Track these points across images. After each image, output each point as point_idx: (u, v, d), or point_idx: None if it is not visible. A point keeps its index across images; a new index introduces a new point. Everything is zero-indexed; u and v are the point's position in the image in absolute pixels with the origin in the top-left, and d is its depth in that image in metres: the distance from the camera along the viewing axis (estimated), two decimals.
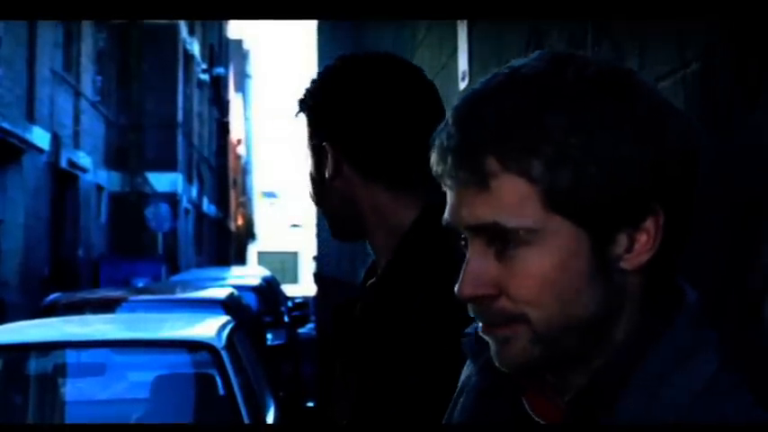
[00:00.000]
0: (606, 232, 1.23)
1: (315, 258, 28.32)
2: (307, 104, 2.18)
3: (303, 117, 2.19)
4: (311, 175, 2.19)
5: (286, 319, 16.05)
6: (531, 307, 1.24)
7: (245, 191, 73.83)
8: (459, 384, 1.50)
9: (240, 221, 66.79)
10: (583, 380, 1.28)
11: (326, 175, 2.15)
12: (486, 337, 1.30)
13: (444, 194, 1.30)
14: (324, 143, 2.14)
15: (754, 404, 1.23)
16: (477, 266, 1.26)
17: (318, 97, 2.16)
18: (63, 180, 23.89)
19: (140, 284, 20.29)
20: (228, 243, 57.63)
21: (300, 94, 2.20)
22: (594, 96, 1.22)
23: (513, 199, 1.22)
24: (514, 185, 1.22)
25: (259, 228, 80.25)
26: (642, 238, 1.23)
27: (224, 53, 56.24)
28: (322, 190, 2.18)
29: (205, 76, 44.29)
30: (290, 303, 18.91)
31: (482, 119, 1.23)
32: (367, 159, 2.13)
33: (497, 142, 1.22)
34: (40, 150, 21.45)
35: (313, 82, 2.18)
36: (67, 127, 24.31)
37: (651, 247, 1.23)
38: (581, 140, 1.20)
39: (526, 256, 1.23)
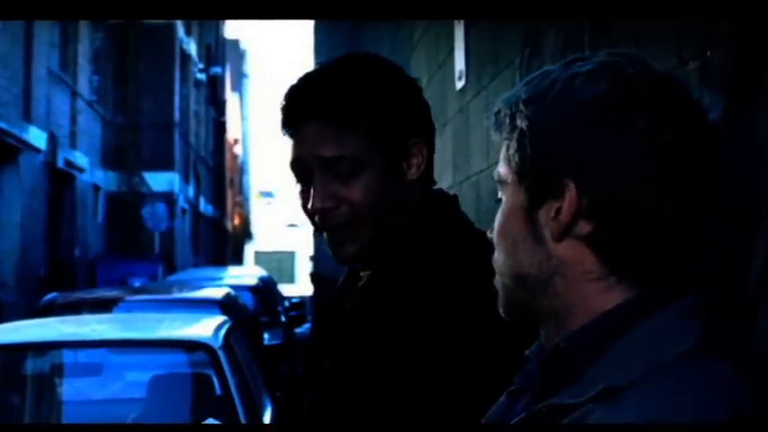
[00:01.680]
0: (537, 196, 1.41)
1: (311, 258, 28.36)
2: (376, 108, 2.05)
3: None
4: (376, 183, 2.04)
5: (283, 319, 16.04)
6: (496, 250, 1.48)
7: (241, 190, 73.85)
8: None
9: (237, 221, 66.80)
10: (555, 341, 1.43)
11: (408, 176, 2.09)
12: None
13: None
14: (413, 140, 2.10)
15: (705, 387, 1.30)
16: None
17: (398, 98, 2.10)
18: (60, 180, 23.87)
19: (137, 284, 20.28)
20: (225, 243, 57.63)
21: (346, 101, 2.04)
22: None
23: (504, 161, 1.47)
24: (503, 150, 1.47)
25: (256, 227, 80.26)
26: (561, 209, 1.38)
27: (221, 53, 56.23)
28: (393, 194, 2.07)
29: (202, 76, 44.29)
30: (286, 303, 18.89)
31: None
32: (433, 154, 2.16)
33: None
34: (37, 150, 21.44)
35: (365, 87, 2.06)
36: (64, 127, 24.31)
37: (567, 220, 1.37)
38: (529, 122, 1.41)
39: (501, 202, 1.47)
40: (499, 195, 1.49)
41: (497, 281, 1.49)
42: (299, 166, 2.06)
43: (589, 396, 1.31)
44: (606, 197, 1.36)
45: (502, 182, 1.47)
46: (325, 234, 2.09)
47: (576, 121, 1.38)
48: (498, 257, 1.48)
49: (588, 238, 1.38)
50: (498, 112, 1.47)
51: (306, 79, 2.11)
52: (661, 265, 1.38)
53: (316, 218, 2.06)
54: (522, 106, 1.43)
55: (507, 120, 1.45)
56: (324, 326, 2.23)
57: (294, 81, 2.12)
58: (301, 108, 2.05)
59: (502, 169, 1.47)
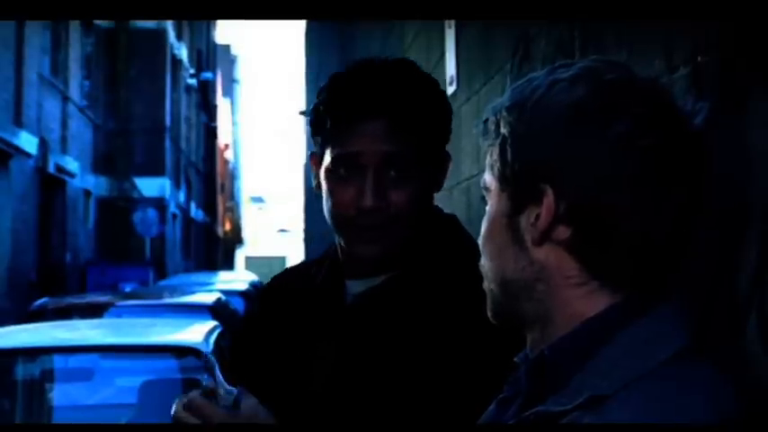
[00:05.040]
0: (518, 202, 1.41)
1: None
2: (436, 115, 2.11)
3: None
4: (420, 190, 2.09)
5: None
6: (482, 255, 1.49)
7: (232, 196, 73.80)
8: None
9: (228, 226, 66.77)
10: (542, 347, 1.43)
11: (440, 185, 2.18)
12: None
13: None
14: (445, 152, 2.17)
15: (693, 391, 1.30)
16: None
17: (447, 108, 2.15)
18: (50, 185, 23.85)
19: (128, 289, 20.24)
20: (216, 248, 57.59)
21: (399, 108, 2.04)
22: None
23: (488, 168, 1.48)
24: (488, 156, 1.48)
25: (246, 232, 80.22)
26: (540, 214, 1.38)
27: (212, 58, 56.21)
28: (426, 203, 2.15)
29: (193, 81, 44.27)
30: None
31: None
32: None
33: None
34: (28, 155, 21.41)
35: (414, 94, 2.08)
36: (55, 131, 24.28)
37: (546, 225, 1.38)
38: (511, 129, 1.42)
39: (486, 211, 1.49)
40: (488, 203, 1.49)
41: (485, 286, 1.50)
42: (352, 161, 2.04)
43: (575, 404, 1.31)
44: (583, 201, 1.36)
45: (487, 189, 1.48)
46: (349, 231, 2.09)
47: (554, 127, 1.38)
48: (484, 263, 1.49)
49: (567, 242, 1.38)
50: (486, 120, 1.48)
51: (370, 75, 2.08)
52: (643, 269, 1.39)
53: (355, 214, 2.05)
54: (505, 113, 1.43)
55: (493, 127, 1.46)
56: (304, 319, 2.21)
57: (348, 74, 2.11)
58: (372, 104, 2.03)
59: (487, 176, 1.48)
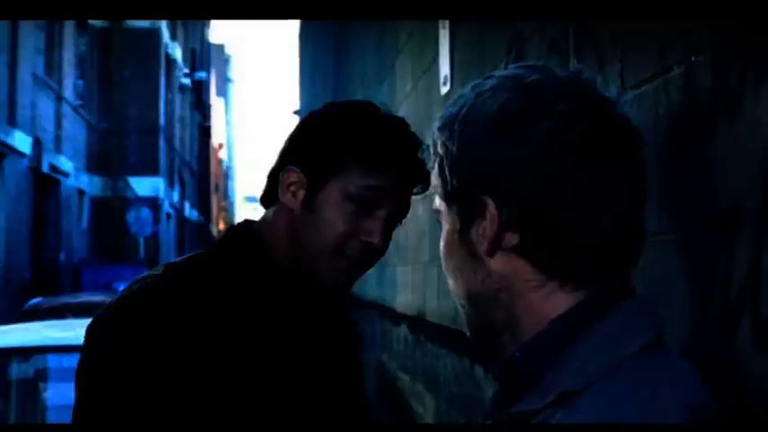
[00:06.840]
0: (465, 218, 1.44)
1: None
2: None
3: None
4: None
5: None
6: (447, 276, 1.52)
7: (226, 195, 73.83)
8: None
9: (222, 226, 66.77)
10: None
11: None
12: None
13: None
14: None
15: (660, 383, 1.31)
16: None
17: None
18: (45, 184, 23.83)
19: (122, 289, 20.20)
20: None
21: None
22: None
23: (435, 191, 1.51)
24: (434, 180, 1.50)
25: None
26: (485, 226, 1.40)
27: (206, 58, 56.19)
28: None
29: (187, 81, 44.26)
30: None
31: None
32: None
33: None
34: (22, 155, 21.40)
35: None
36: (49, 131, 24.26)
37: (493, 235, 1.40)
38: (445, 148, 1.45)
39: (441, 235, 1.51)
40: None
41: (458, 305, 1.52)
42: (382, 198, 2.11)
43: (546, 402, 1.33)
44: (523, 205, 1.37)
45: (438, 212, 1.50)
46: (337, 258, 2.11)
47: (483, 137, 1.40)
48: (450, 283, 1.51)
49: (518, 248, 1.39)
50: (427, 146, 1.50)
51: (409, 142, 2.14)
52: (595, 265, 1.39)
53: (357, 246, 2.11)
54: (437, 134, 1.46)
55: (432, 150, 1.48)
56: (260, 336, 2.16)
57: (388, 132, 2.15)
58: (412, 173, 2.11)
59: (436, 199, 1.50)
